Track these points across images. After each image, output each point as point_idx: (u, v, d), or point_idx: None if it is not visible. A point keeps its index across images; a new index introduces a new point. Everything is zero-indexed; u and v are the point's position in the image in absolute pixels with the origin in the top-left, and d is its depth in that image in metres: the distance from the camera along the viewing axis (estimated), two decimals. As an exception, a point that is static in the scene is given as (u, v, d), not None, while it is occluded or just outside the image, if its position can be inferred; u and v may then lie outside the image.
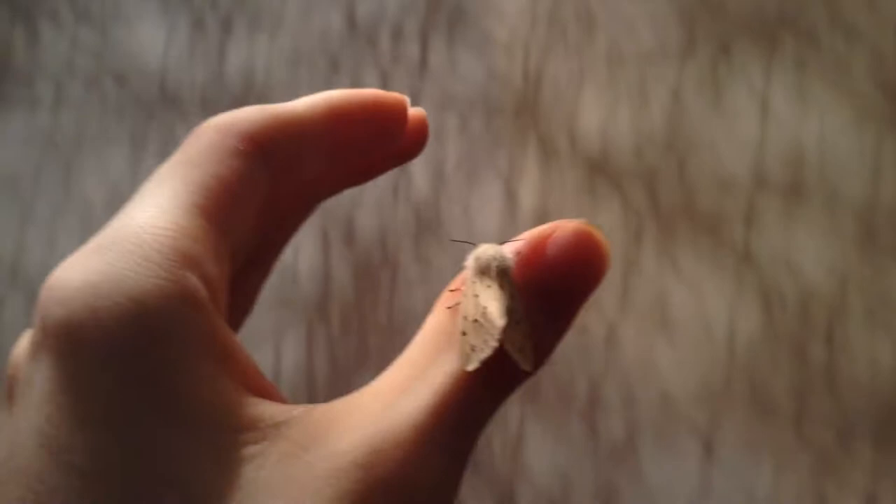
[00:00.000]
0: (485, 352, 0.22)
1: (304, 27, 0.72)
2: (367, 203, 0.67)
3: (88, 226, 0.76)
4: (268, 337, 0.68)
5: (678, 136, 0.60)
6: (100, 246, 0.22)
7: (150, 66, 0.77)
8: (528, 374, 0.23)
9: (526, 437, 0.60)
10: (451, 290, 0.24)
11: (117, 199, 0.75)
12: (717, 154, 0.58)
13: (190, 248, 0.22)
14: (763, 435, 0.56)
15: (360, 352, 0.65)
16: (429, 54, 0.68)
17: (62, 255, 0.72)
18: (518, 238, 0.24)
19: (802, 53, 0.57)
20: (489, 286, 0.23)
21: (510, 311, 0.23)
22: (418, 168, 0.66)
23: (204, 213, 0.23)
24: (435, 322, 0.23)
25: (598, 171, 0.61)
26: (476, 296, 0.23)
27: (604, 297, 0.60)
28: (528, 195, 0.63)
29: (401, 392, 0.22)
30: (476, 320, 0.23)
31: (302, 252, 0.68)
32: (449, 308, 0.24)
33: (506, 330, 0.22)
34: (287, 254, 0.68)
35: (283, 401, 0.23)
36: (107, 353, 0.20)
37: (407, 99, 0.28)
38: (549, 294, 0.23)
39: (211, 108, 0.74)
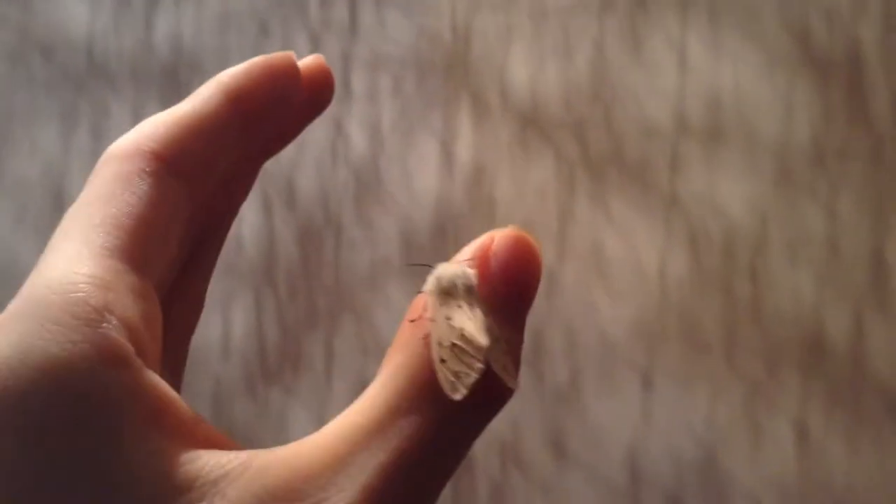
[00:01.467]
0: (471, 376, 0.21)
1: (231, -7, 0.72)
2: (307, 166, 0.68)
3: (23, 204, 0.75)
4: (216, 305, 0.68)
5: (603, 86, 0.62)
6: (11, 315, 0.21)
7: (76, 38, 0.76)
8: (512, 392, 0.22)
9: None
10: (412, 321, 0.23)
11: (51, 176, 0.75)
12: (641, 103, 0.61)
13: (104, 300, 0.21)
14: (697, 368, 0.58)
15: (308, 314, 0.66)
16: (358, 15, 0.68)
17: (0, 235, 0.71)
18: (459, 255, 0.23)
19: (715, 3, 0.60)
20: (460, 306, 0.22)
21: (489, 329, 0.22)
22: (355, 129, 0.67)
23: (117, 253, 0.22)
24: (396, 366, 0.22)
25: (530, 124, 0.63)
26: (448, 318, 0.22)
27: (543, 246, 0.62)
28: (464, 152, 0.64)
29: (356, 450, 0.20)
30: (454, 344, 0.22)
31: (245, 218, 0.69)
32: (422, 338, 0.23)
33: (490, 349, 0.22)
34: (229, 220, 0.69)
35: (227, 444, 0.22)
36: (17, 432, 0.19)
37: (292, 53, 0.28)
38: (505, 304, 0.23)
39: (141, 77, 0.74)
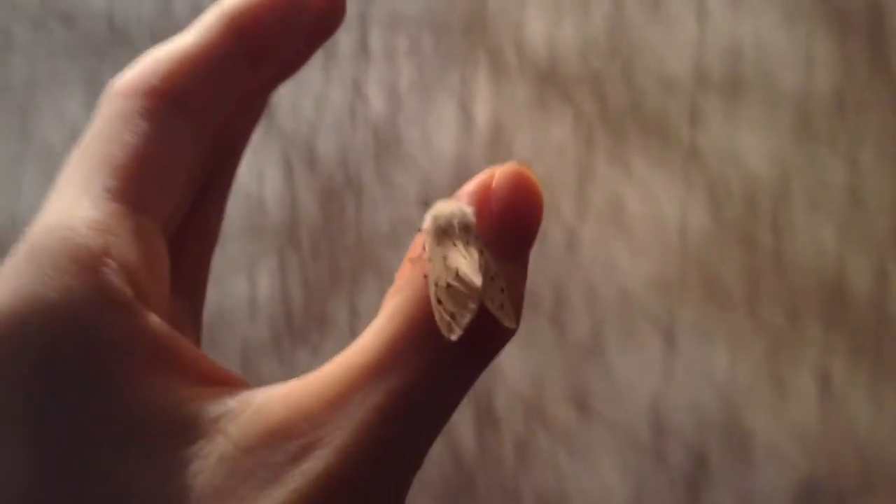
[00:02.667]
0: (466, 317, 0.21)
1: (248, -44, 0.72)
2: (326, 128, 0.69)
3: (50, 169, 0.76)
4: (241, 267, 0.69)
5: (621, 41, 0.61)
6: (14, 261, 0.21)
7: (96, 5, 0.76)
8: (512, 332, 0.22)
9: (496, 341, 0.63)
10: (412, 259, 0.23)
11: (77, 141, 0.76)
12: (659, 56, 0.60)
13: (103, 244, 0.21)
14: (718, 321, 0.59)
15: (332, 274, 0.67)
16: (374, -24, 0.68)
17: (27, 200, 0.73)
18: (459, 192, 0.23)
19: (736, -47, 0.59)
20: (455, 244, 0.22)
21: (484, 268, 0.22)
22: (373, 90, 0.68)
23: (118, 195, 0.22)
24: (395, 306, 0.22)
25: (548, 81, 0.63)
26: (444, 258, 0.22)
27: (562, 205, 0.62)
28: (482, 111, 0.65)
29: (354, 389, 0.20)
30: (449, 284, 0.21)
31: (266, 181, 0.70)
32: (423, 277, 0.22)
33: (484, 289, 0.21)
34: (252, 183, 0.70)
35: (232, 381, 0.22)
36: (18, 375, 0.20)
37: None
38: (504, 242, 0.23)
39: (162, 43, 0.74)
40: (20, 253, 0.21)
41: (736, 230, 0.58)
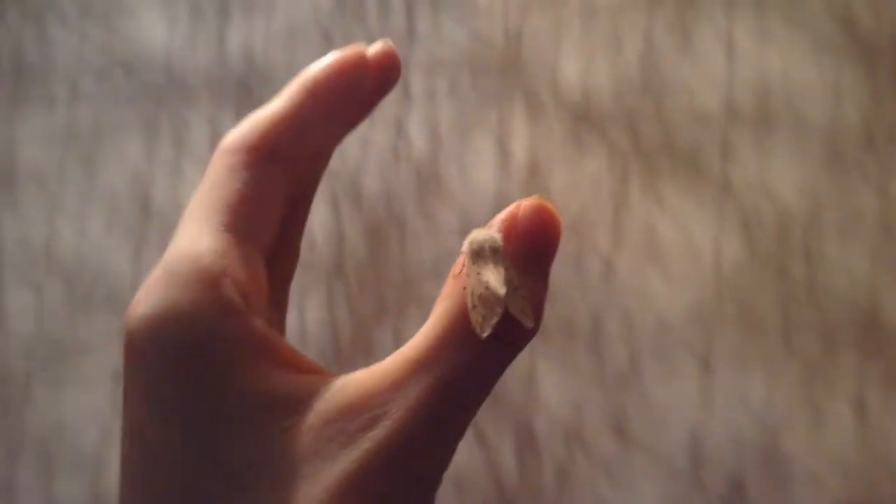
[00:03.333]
0: (493, 319, 0.26)
1: (296, 6, 0.76)
2: (371, 166, 0.71)
3: (114, 209, 0.80)
4: (292, 299, 0.72)
5: (653, 79, 0.63)
6: (156, 279, 0.27)
7: (155, 55, 0.80)
8: (533, 331, 0.27)
9: (538, 372, 0.64)
10: (455, 276, 0.28)
11: (138, 185, 0.79)
12: (691, 92, 0.62)
13: (220, 265, 0.27)
14: (754, 350, 0.59)
15: (377, 305, 0.69)
16: (415, 23, 0.71)
17: (92, 240, 0.77)
18: (492, 221, 0.28)
19: (762, -8, 0.61)
20: (487, 263, 0.27)
21: (508, 281, 0.27)
22: (415, 130, 0.70)
23: (230, 228, 0.28)
24: (441, 311, 0.27)
25: (582, 118, 0.65)
26: (478, 274, 0.27)
27: (598, 236, 0.64)
28: (519, 148, 0.67)
29: (409, 374, 0.26)
30: (481, 294, 0.26)
31: (316, 219, 0.73)
32: (463, 288, 0.27)
33: (507, 297, 0.26)
34: (301, 221, 0.72)
35: (318, 371, 0.28)
36: (165, 366, 0.26)
37: (362, 45, 0.32)
38: (527, 259, 0.28)
39: (216, 91, 0.78)
40: (159, 273, 0.27)
41: (769, 260, 0.59)
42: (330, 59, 0.31)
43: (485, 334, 0.26)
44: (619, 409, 0.62)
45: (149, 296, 0.27)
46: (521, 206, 0.28)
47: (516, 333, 0.27)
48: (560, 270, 0.63)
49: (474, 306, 0.26)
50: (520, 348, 0.27)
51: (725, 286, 0.60)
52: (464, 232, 0.67)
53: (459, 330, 0.26)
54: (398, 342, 0.68)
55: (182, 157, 0.78)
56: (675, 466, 0.60)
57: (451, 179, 0.68)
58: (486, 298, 0.26)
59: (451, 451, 0.26)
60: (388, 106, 0.71)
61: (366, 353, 0.69)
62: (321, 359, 0.70)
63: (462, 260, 0.28)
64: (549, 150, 0.65)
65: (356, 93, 0.32)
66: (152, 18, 0.81)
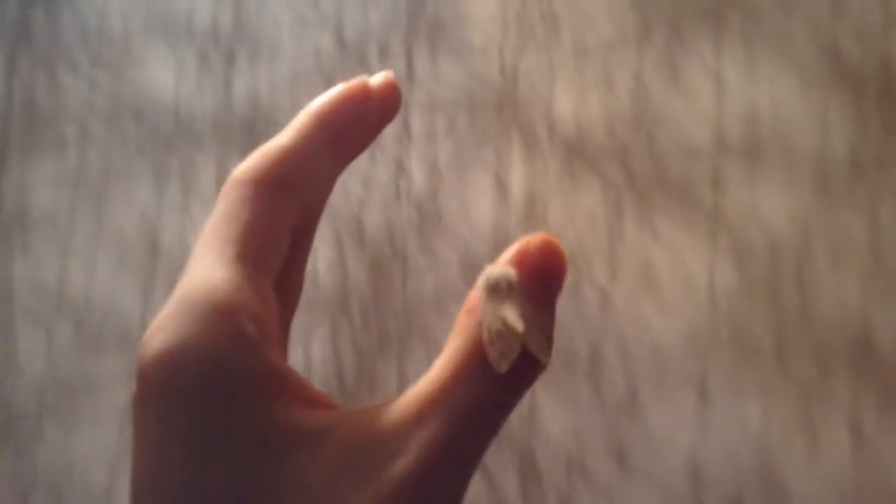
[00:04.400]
0: (512, 355, 0.26)
1: (299, 51, 0.78)
2: (373, 204, 0.72)
3: (123, 251, 0.81)
4: (296, 337, 0.73)
5: (644, 114, 0.65)
6: (170, 313, 0.27)
7: (163, 101, 0.82)
8: (545, 366, 0.28)
9: (538, 403, 0.65)
10: (468, 311, 0.28)
11: (146, 228, 0.81)
12: (681, 127, 0.63)
13: (236, 297, 0.27)
14: (750, 375, 0.60)
15: (381, 340, 0.70)
16: (414, 64, 0.73)
17: (102, 281, 0.78)
18: (502, 257, 0.29)
19: (747, 28, 0.62)
20: (503, 300, 0.27)
21: (524, 317, 0.27)
22: (415, 167, 0.71)
23: (243, 259, 0.28)
24: (456, 346, 0.27)
25: (577, 153, 0.66)
26: (494, 310, 0.27)
27: (594, 267, 0.65)
28: (516, 183, 0.68)
29: (426, 410, 0.26)
30: (499, 331, 0.26)
31: (320, 256, 0.74)
32: (477, 323, 0.28)
33: (525, 334, 0.26)
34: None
35: (329, 404, 0.27)
36: (182, 401, 0.25)
37: (366, 78, 0.33)
38: (538, 294, 0.28)
39: (223, 134, 0.79)
40: (173, 307, 0.27)
41: (762, 287, 0.60)
42: (336, 91, 0.32)
43: (503, 370, 0.26)
44: (618, 437, 0.63)
45: (163, 329, 0.26)
46: (530, 242, 0.28)
47: (530, 369, 0.27)
48: (558, 302, 0.64)
49: (491, 342, 0.26)
50: (532, 382, 0.28)
51: (720, 314, 0.61)
52: (465, 265, 0.69)
53: (474, 366, 0.26)
54: (402, 376, 0.69)
55: (190, 199, 0.79)
56: (675, 492, 0.61)
57: (450, 215, 0.70)
58: (504, 335, 0.26)
59: (466, 484, 0.26)
60: (389, 145, 0.73)
61: (370, 388, 0.70)
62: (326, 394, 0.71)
63: (475, 295, 0.28)
64: (546, 185, 0.67)
65: (361, 122, 0.33)
66: (160, 67, 0.83)
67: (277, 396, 0.26)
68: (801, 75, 0.61)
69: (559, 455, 0.64)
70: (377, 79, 0.33)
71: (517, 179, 0.68)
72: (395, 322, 0.70)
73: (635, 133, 0.65)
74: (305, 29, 0.78)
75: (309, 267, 0.73)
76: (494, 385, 0.26)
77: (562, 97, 0.67)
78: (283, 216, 0.30)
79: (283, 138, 0.31)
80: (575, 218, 0.66)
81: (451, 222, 0.69)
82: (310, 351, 0.72)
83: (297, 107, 0.77)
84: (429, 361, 0.67)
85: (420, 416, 0.26)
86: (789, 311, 0.60)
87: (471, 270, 0.68)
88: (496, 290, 0.27)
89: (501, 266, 0.28)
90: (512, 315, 0.27)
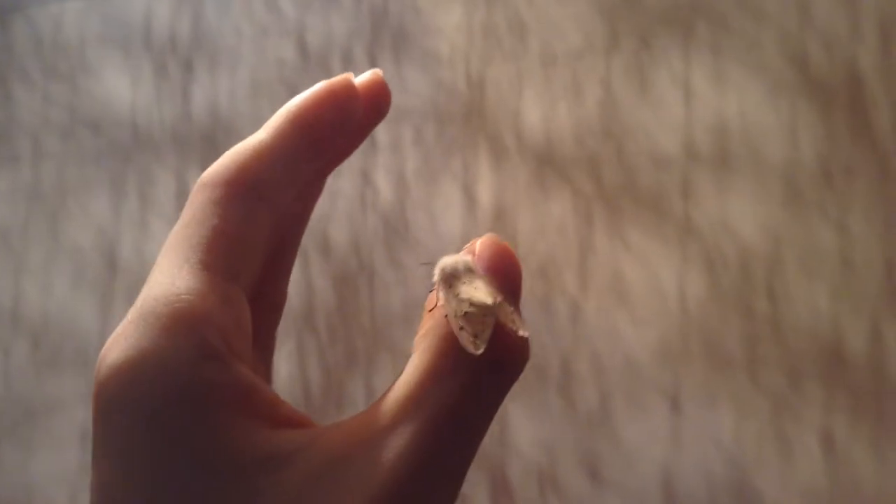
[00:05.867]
0: (487, 331, 0.24)
1: (261, 60, 0.77)
2: (339, 217, 0.72)
3: (80, 268, 0.79)
4: (261, 352, 0.72)
5: (613, 123, 0.64)
6: (130, 323, 0.25)
7: (120, 112, 0.80)
8: (525, 355, 0.26)
9: (509, 416, 0.65)
10: (430, 310, 0.26)
11: (104, 241, 0.79)
12: (650, 136, 0.63)
13: (201, 307, 0.25)
14: (722, 386, 0.60)
15: (348, 356, 0.69)
16: (379, 74, 0.72)
17: (59, 299, 0.76)
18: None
19: (716, 37, 0.62)
20: (464, 283, 0.26)
21: (491, 293, 0.25)
22: (381, 179, 0.71)
23: (211, 267, 0.26)
24: (425, 346, 0.25)
25: (546, 163, 0.66)
26: (457, 295, 0.25)
27: (565, 278, 0.64)
28: (484, 194, 0.67)
29: (399, 418, 0.24)
30: (466, 312, 0.25)
31: (283, 270, 0.73)
32: (444, 317, 0.26)
33: (496, 306, 0.25)
34: (270, 273, 0.73)
35: (303, 422, 0.25)
36: (140, 416, 0.24)
37: (350, 75, 0.30)
38: (496, 276, 0.26)
39: (182, 146, 0.78)
40: (132, 317, 0.25)
41: (733, 298, 0.60)
42: (318, 87, 0.29)
43: (479, 351, 0.24)
44: (590, 450, 0.62)
45: (121, 342, 0.25)
46: (477, 239, 0.27)
47: (511, 347, 0.25)
48: (529, 313, 0.64)
49: (461, 328, 0.25)
50: (515, 373, 0.26)
51: (691, 324, 0.61)
52: (428, 262, 0.67)
53: (448, 360, 0.25)
54: (369, 391, 0.68)
55: (148, 212, 0.77)
56: (650, 506, 0.61)
57: (418, 227, 0.69)
58: (473, 315, 0.25)
59: (454, 493, 0.24)
60: (354, 156, 0.72)
61: (337, 405, 0.69)
62: (293, 410, 0.70)
63: (434, 294, 0.27)
64: (515, 195, 0.66)
65: (345, 124, 0.30)
66: (116, 77, 0.81)
67: (244, 414, 0.24)
68: (770, 84, 0.61)
69: (531, 470, 0.64)
70: (365, 75, 0.31)
71: (486, 190, 0.67)
72: (362, 337, 0.69)
73: (604, 142, 0.64)
74: (266, 37, 0.77)
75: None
76: (472, 378, 0.24)
77: (530, 106, 0.67)
78: (256, 221, 0.28)
79: (257, 137, 0.29)
80: (545, 229, 0.65)
81: (418, 235, 0.69)
82: (276, 367, 0.71)
83: (258, 117, 0.75)
84: (397, 376, 0.66)
85: (393, 423, 0.24)
86: (760, 322, 0.60)
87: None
88: (455, 276, 0.26)
89: (454, 255, 0.27)
90: (477, 292, 0.25)
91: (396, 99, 0.71)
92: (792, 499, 0.58)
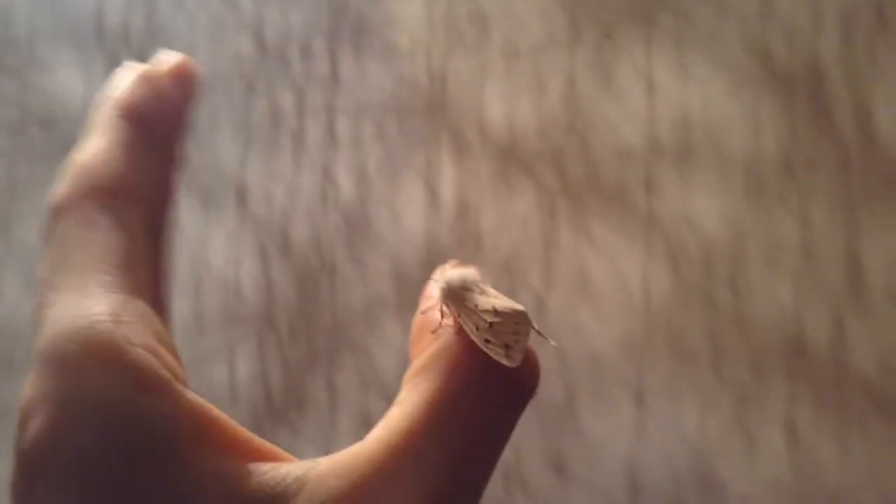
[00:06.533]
0: (521, 340, 0.23)
1: (217, 54, 0.75)
2: (300, 214, 0.71)
3: (31, 269, 0.78)
4: (220, 353, 0.70)
5: (576, 117, 0.64)
6: (40, 376, 0.21)
7: (72, 108, 0.79)
8: (537, 374, 0.24)
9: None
10: (433, 332, 0.24)
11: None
12: (614, 129, 0.63)
13: (121, 332, 0.22)
14: (686, 380, 0.60)
15: (309, 355, 0.68)
16: (338, 68, 0.71)
17: (10, 302, 0.75)
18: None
19: (679, 30, 0.62)
20: (479, 294, 0.24)
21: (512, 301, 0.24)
22: (342, 175, 0.70)
23: (113, 286, 0.23)
24: (438, 369, 0.23)
25: (509, 157, 0.66)
26: (475, 307, 0.24)
27: (530, 274, 0.64)
28: (447, 189, 0.67)
29: (392, 474, 0.21)
30: (492, 324, 0.23)
31: (243, 268, 0.71)
32: (432, 333, 0.24)
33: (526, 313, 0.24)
34: (229, 271, 0.71)
35: (274, 454, 0.22)
36: (79, 478, 0.20)
37: (162, 63, 0.29)
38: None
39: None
40: (44, 367, 0.21)
41: (697, 291, 0.60)
42: (133, 75, 0.28)
43: (516, 363, 0.22)
44: (556, 446, 0.62)
45: (38, 400, 0.21)
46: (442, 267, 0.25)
47: (533, 364, 0.24)
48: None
49: (488, 341, 0.23)
50: (536, 386, 0.24)
51: (655, 318, 0.61)
52: (395, 275, 0.67)
53: (470, 380, 0.22)
54: (332, 392, 0.67)
55: (103, 210, 0.76)
56: (614, 499, 0.61)
57: (380, 223, 0.68)
58: (501, 325, 0.23)
59: None
60: (314, 151, 0.71)
61: (299, 405, 0.68)
62: (253, 413, 0.69)
63: (434, 312, 0.25)
64: (478, 191, 0.66)
65: (164, 105, 0.28)
66: (68, 72, 0.79)
67: (202, 447, 0.21)
68: (732, 76, 0.61)
69: (497, 467, 0.63)
70: (168, 59, 0.29)
71: (448, 186, 0.67)
72: (323, 335, 0.68)
73: (568, 136, 0.64)
74: (223, 31, 0.75)
75: (231, 279, 0.71)
76: (500, 393, 0.22)
77: (492, 100, 0.66)
78: (130, 226, 0.25)
79: (93, 142, 0.27)
80: (509, 224, 0.65)
81: (380, 231, 0.68)
82: (235, 368, 0.70)
83: (214, 113, 0.74)
84: (359, 375, 0.66)
85: (403, 470, 0.21)
86: (724, 315, 0.60)
87: (401, 280, 0.67)
88: (466, 289, 0.24)
89: (458, 269, 0.25)
90: (499, 300, 0.24)
91: (357, 93, 0.70)
92: (756, 490, 0.58)
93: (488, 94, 0.67)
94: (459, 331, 0.23)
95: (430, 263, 0.66)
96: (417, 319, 0.25)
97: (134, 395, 0.21)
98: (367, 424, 0.68)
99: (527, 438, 0.63)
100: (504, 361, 0.22)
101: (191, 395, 0.21)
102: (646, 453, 0.60)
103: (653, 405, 0.60)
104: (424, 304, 0.25)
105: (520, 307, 0.23)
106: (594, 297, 0.62)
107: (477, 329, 0.23)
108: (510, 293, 0.67)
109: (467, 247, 0.65)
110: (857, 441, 0.56)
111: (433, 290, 0.25)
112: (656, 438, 0.60)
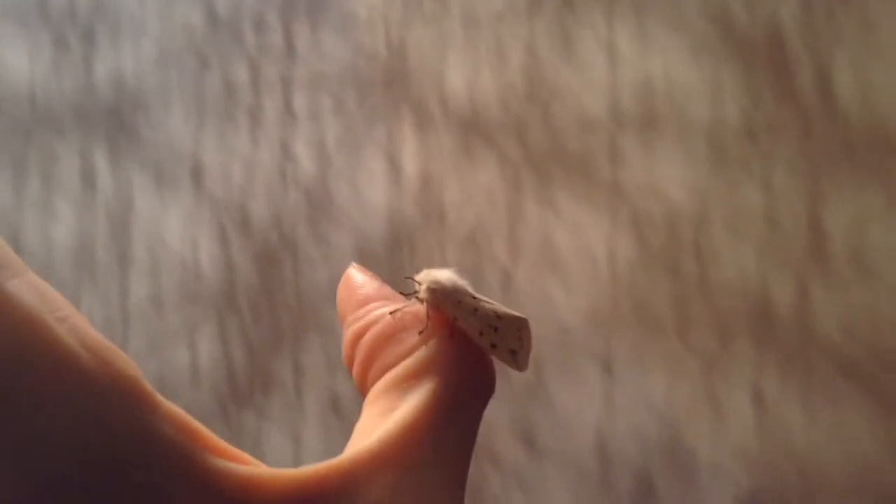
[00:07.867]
0: (527, 345, 0.23)
1: (167, 29, 0.73)
2: (258, 191, 0.69)
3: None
4: (181, 335, 0.69)
5: (538, 86, 0.63)
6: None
7: (18, 88, 0.76)
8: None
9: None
10: (420, 333, 0.23)
11: (5, 225, 0.75)
12: (576, 98, 0.62)
13: (69, 342, 0.16)
14: (653, 348, 0.60)
15: (273, 335, 0.67)
16: (294, 40, 0.70)
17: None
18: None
19: (639, -3, 0.62)
20: (474, 297, 0.24)
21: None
22: (301, 150, 0.68)
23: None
24: (435, 377, 0.22)
25: (472, 129, 0.65)
26: (475, 311, 0.23)
27: (496, 248, 0.63)
28: (410, 162, 0.66)
29: (381, 469, 0.20)
30: (496, 328, 0.23)
31: (201, 247, 0.70)
32: (420, 333, 0.23)
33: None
34: (187, 251, 0.70)
35: (240, 458, 0.19)
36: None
37: None
38: None
39: (86, 120, 0.74)
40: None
41: (662, 259, 0.60)
42: None
43: (524, 369, 0.23)
44: (526, 420, 0.62)
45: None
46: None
47: (492, 372, 0.23)
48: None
49: (494, 345, 0.23)
50: (494, 386, 0.24)
51: (621, 288, 0.61)
52: (359, 252, 0.66)
53: (460, 390, 0.22)
54: (298, 372, 0.66)
55: (52, 192, 0.74)
56: (585, 470, 0.61)
57: (342, 198, 0.67)
58: (506, 327, 0.23)
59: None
60: (271, 126, 0.69)
61: (264, 388, 0.67)
62: (217, 397, 0.68)
63: (420, 313, 0.23)
64: (441, 163, 0.65)
65: None
66: (12, 51, 0.77)
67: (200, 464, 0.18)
68: (693, 43, 0.60)
69: (466, 442, 0.63)
70: None
71: (410, 159, 0.66)
72: (287, 315, 0.67)
73: (530, 106, 0.63)
74: (173, 4, 0.73)
75: (190, 259, 0.70)
76: (487, 391, 0.22)
77: (453, 71, 0.65)
78: None
79: None
80: (473, 197, 0.64)
81: (342, 207, 0.67)
82: (196, 351, 0.69)
83: (166, 88, 0.72)
84: (326, 355, 0.65)
85: (371, 478, 0.19)
86: (689, 283, 0.60)
87: (365, 256, 0.66)
88: (459, 292, 0.24)
89: (441, 270, 0.24)
90: (498, 305, 0.24)
91: (314, 66, 0.69)
92: (724, 456, 0.58)
93: (449, 64, 0.66)
94: (453, 333, 0.23)
95: (395, 238, 0.65)
96: (387, 321, 0.23)
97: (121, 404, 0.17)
98: (334, 406, 0.67)
99: (496, 414, 0.62)
100: (512, 366, 0.23)
101: (154, 396, 0.18)
102: (614, 423, 0.60)
103: (621, 375, 0.61)
104: (392, 307, 0.24)
105: (520, 314, 0.24)
106: (560, 267, 0.62)
107: (481, 333, 0.23)
108: (475, 267, 0.67)
109: (431, 221, 0.64)
110: (823, 406, 0.56)
111: (421, 291, 0.24)
112: (625, 408, 0.60)
